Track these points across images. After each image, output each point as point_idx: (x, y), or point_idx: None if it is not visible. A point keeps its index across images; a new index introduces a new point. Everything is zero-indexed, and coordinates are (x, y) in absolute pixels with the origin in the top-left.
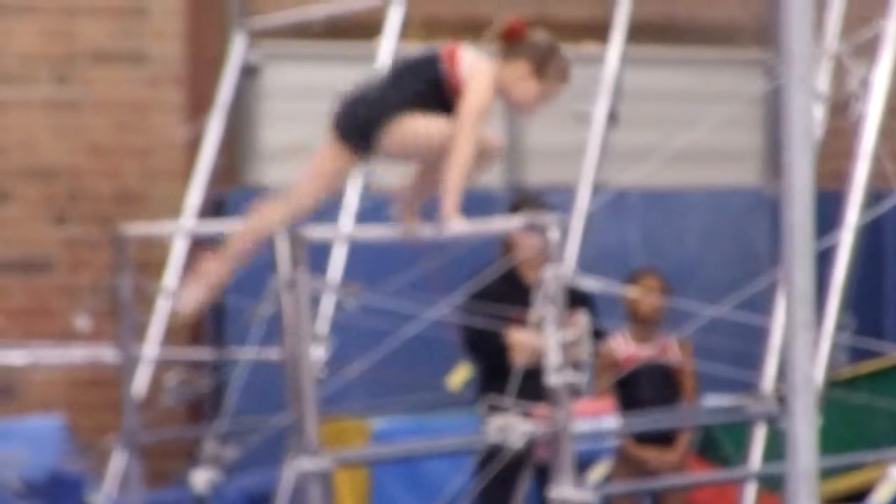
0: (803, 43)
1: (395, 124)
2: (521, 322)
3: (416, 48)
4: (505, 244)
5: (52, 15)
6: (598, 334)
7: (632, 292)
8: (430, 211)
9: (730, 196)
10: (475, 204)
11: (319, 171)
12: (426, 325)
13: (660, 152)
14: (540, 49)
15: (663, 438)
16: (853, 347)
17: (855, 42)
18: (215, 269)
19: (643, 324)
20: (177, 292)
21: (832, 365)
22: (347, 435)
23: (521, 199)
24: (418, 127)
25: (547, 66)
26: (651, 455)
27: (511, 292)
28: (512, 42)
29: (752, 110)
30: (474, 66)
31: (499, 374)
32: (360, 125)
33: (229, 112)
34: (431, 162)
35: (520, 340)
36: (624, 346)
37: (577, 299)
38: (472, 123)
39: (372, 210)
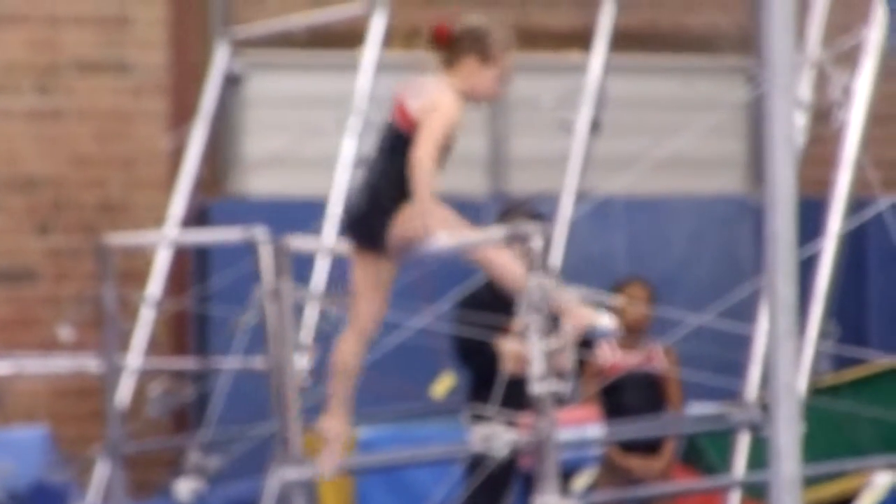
0: (785, 51)
1: (394, 228)
2: (508, 331)
3: (398, 57)
4: None
5: (35, 24)
6: (585, 343)
7: (617, 301)
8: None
9: (714, 204)
10: (459, 212)
11: (364, 287)
12: (410, 334)
13: (643, 160)
14: (474, 36)
15: (649, 447)
16: (837, 355)
17: (837, 50)
18: (336, 427)
19: (629, 332)
20: (318, 464)
21: (815, 372)
22: None
23: (510, 207)
24: (412, 225)
25: (489, 48)
26: (636, 463)
27: (497, 300)
28: (447, 44)
29: (735, 118)
30: (428, 102)
31: (487, 382)
32: (366, 234)
33: (212, 121)
34: None
35: (509, 349)
36: (610, 354)
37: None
38: (430, 136)
39: None
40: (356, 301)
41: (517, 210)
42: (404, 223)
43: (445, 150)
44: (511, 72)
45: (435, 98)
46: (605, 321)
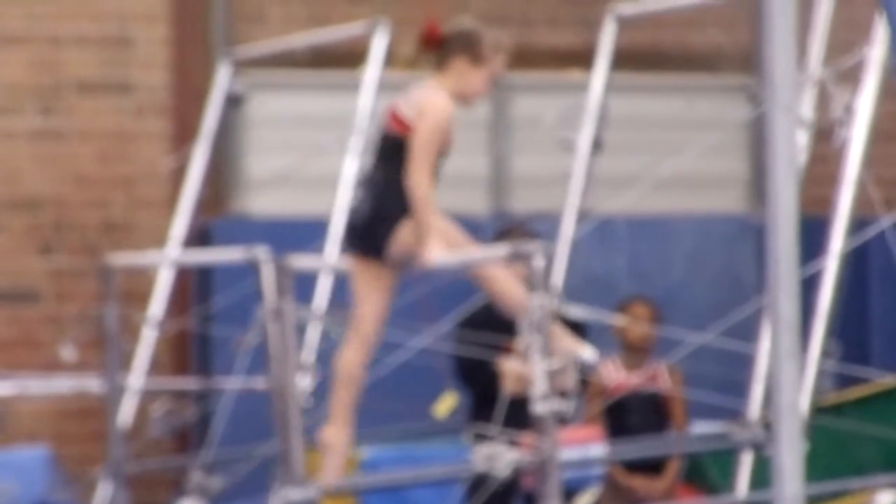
0: (787, 69)
1: (394, 237)
2: (509, 350)
3: (400, 77)
4: None
5: (37, 45)
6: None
7: (620, 320)
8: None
9: (715, 223)
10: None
11: (365, 293)
12: (413, 354)
13: (645, 179)
14: (465, 37)
15: (652, 466)
16: (839, 374)
17: (839, 68)
18: (337, 437)
19: (633, 351)
20: (321, 475)
21: (818, 391)
22: None
23: (508, 227)
24: (412, 236)
25: (479, 48)
26: (639, 483)
27: (498, 320)
28: (437, 45)
29: (737, 137)
30: (420, 104)
31: (489, 402)
32: (366, 243)
33: (214, 141)
34: None
35: (510, 368)
36: (614, 374)
37: (567, 327)
38: (422, 151)
39: None
40: (357, 308)
41: (515, 230)
42: (405, 236)
43: (442, 152)
44: (500, 73)
45: (423, 101)
46: (588, 353)
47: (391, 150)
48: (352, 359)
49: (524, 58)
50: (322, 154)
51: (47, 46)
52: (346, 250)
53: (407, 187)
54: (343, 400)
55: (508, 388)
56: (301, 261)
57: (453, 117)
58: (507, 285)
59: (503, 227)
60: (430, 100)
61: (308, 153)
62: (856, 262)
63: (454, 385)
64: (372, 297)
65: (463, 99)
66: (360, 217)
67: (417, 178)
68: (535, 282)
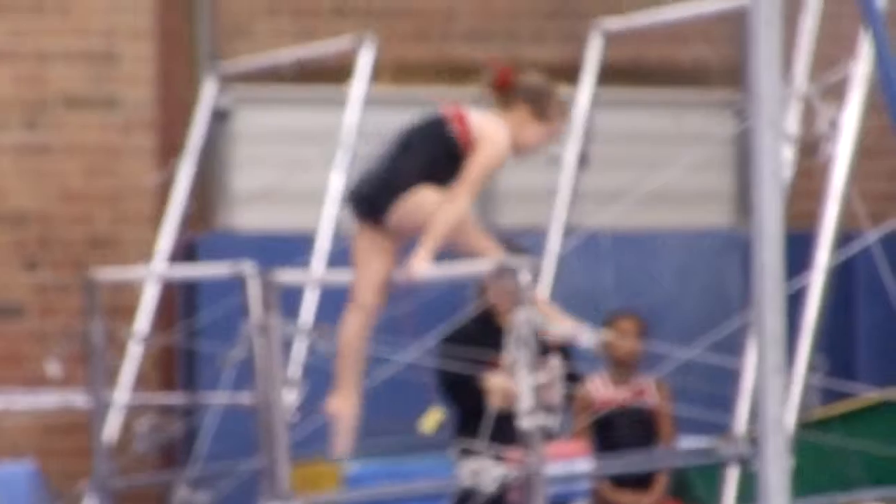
0: (772, 84)
1: (402, 201)
2: (495, 365)
3: (386, 92)
4: (480, 286)
5: (23, 60)
6: (575, 377)
7: (606, 335)
8: (402, 254)
9: (702, 237)
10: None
11: (365, 257)
12: (398, 369)
13: (631, 194)
14: (536, 90)
15: (640, 481)
16: (825, 389)
17: (824, 83)
18: (345, 407)
19: (620, 366)
20: (333, 444)
21: (804, 406)
22: (320, 479)
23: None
24: (423, 205)
25: (546, 106)
26: (627, 499)
27: (485, 335)
28: (506, 89)
29: (723, 152)
30: (486, 126)
31: (475, 418)
32: (370, 203)
33: (200, 156)
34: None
35: (496, 384)
36: (601, 389)
37: (553, 343)
38: (476, 180)
39: (343, 253)
40: (356, 275)
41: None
42: (413, 205)
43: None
44: (554, 139)
45: (487, 127)
46: (588, 335)
47: (440, 142)
48: (353, 330)
49: None
50: (308, 169)
51: (33, 62)
52: (349, 212)
53: (446, 201)
54: (347, 369)
55: (495, 403)
56: (287, 275)
57: (505, 159)
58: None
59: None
60: (497, 130)
61: (294, 168)
62: (842, 276)
63: (440, 400)
64: (372, 262)
65: (515, 147)
66: (369, 178)
67: (463, 201)
68: (522, 296)
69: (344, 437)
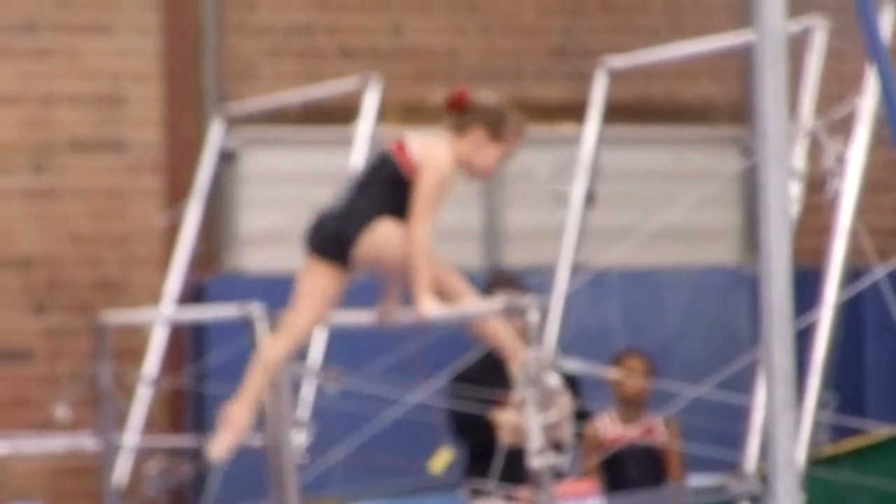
0: (778, 121)
1: (365, 236)
2: (504, 404)
3: (393, 132)
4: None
5: (29, 104)
6: (583, 415)
7: (615, 374)
8: (409, 294)
9: (709, 274)
10: None
11: (309, 295)
12: (407, 409)
13: (638, 232)
14: (491, 112)
15: None
16: (835, 425)
17: (830, 119)
18: (239, 415)
19: (629, 405)
20: (209, 443)
21: (814, 443)
22: None
23: (496, 280)
24: (385, 237)
25: (502, 127)
26: None
27: (493, 374)
28: (460, 112)
29: (730, 188)
30: (426, 151)
31: (484, 456)
32: (331, 240)
33: (207, 198)
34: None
35: (505, 419)
36: (611, 428)
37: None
38: (426, 209)
39: (350, 294)
40: (296, 308)
41: (503, 283)
42: (376, 238)
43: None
44: (509, 159)
45: (427, 151)
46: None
47: (387, 174)
48: (276, 354)
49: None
50: (315, 210)
51: (40, 105)
52: (306, 247)
53: (409, 245)
54: (256, 384)
55: (505, 438)
56: None
57: (451, 183)
58: (499, 327)
59: (491, 281)
60: (436, 154)
61: (301, 209)
62: (850, 312)
63: (450, 440)
64: (314, 304)
65: (469, 169)
66: (327, 216)
67: (422, 231)
68: (531, 335)
69: (227, 438)
